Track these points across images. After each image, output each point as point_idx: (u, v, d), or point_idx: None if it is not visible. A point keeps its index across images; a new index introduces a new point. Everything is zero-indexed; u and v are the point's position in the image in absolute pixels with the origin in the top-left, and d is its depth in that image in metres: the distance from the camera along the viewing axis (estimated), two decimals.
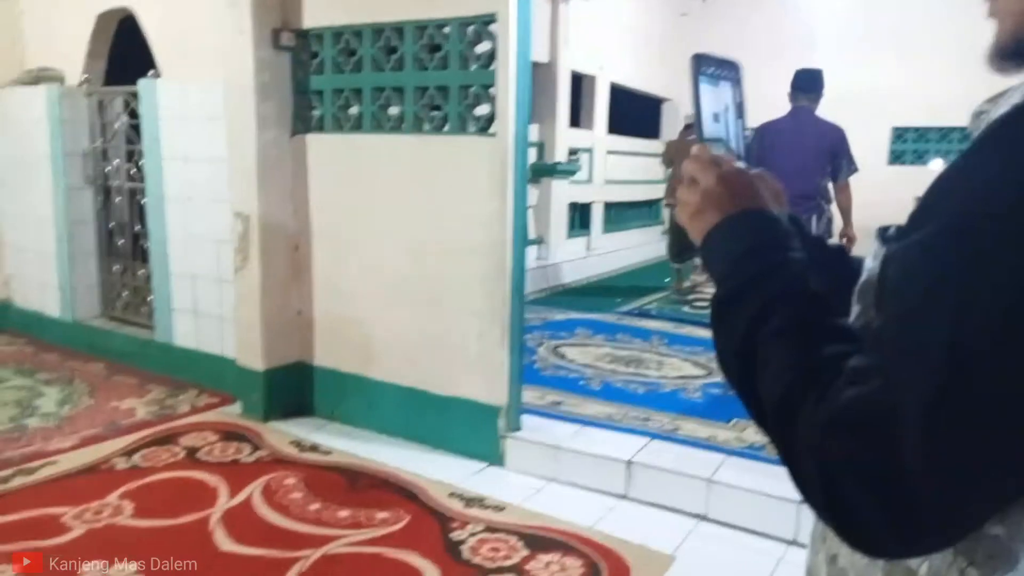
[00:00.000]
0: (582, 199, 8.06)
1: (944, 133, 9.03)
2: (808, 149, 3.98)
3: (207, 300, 3.83)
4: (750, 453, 2.90)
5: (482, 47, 2.94)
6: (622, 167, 9.04)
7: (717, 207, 0.71)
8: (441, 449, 3.16)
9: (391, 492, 2.77)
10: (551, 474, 2.92)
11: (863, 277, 0.64)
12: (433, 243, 3.13)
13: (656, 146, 10.23)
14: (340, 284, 3.43)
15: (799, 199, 3.67)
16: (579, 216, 8.11)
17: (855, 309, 0.65)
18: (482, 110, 2.97)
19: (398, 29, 3.11)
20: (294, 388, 3.54)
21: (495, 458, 3.05)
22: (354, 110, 3.31)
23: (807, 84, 4.19)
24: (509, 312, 2.98)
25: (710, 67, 0.82)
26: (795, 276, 0.65)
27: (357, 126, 3.30)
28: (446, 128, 3.07)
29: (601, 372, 4.01)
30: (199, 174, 3.74)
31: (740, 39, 9.99)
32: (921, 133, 9.27)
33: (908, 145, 9.37)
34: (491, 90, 2.91)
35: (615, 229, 8.98)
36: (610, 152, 8.72)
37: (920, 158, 9.33)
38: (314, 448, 3.17)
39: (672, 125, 10.61)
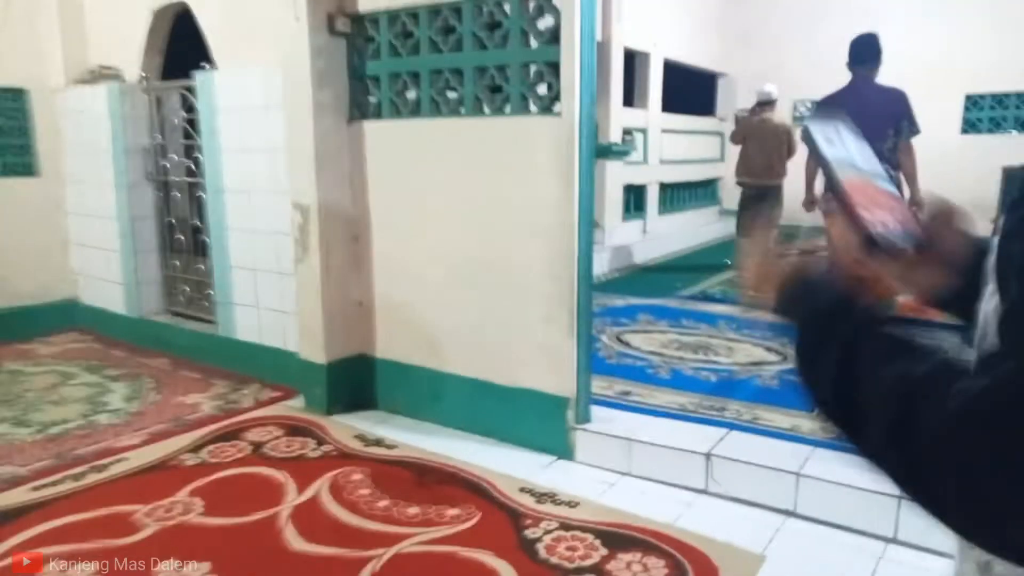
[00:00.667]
0: (637, 181, 7.85)
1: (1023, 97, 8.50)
2: (870, 118, 3.63)
3: (268, 293, 3.81)
4: (839, 444, 2.71)
5: (544, 22, 2.80)
6: (677, 146, 8.78)
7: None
8: (508, 442, 3.07)
9: (460, 487, 2.69)
10: (624, 468, 2.80)
11: (990, 256, 0.62)
12: (496, 227, 3.02)
13: (712, 123, 9.94)
14: (401, 273, 3.36)
15: None
16: (634, 198, 7.91)
17: (988, 288, 0.63)
18: (545, 89, 2.84)
19: (456, 8, 2.99)
20: (356, 381, 3.49)
21: (564, 451, 2.94)
22: (412, 94, 3.21)
23: (862, 53, 4.02)
24: (576, 298, 2.85)
25: (821, 127, 0.82)
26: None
27: (415, 111, 3.20)
28: (507, 109, 2.95)
29: (669, 359, 3.86)
30: (257, 166, 3.71)
31: (796, 8, 9.59)
32: (999, 99, 8.75)
33: (984, 112, 8.85)
34: (555, 67, 2.78)
35: (671, 211, 8.74)
36: (664, 131, 8.47)
37: (998, 126, 8.81)
38: (379, 442, 3.11)
39: (728, 100, 10.27)
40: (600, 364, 3.68)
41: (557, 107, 2.80)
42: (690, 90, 9.57)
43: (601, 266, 6.54)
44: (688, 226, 8.78)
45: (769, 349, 4.04)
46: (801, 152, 6.81)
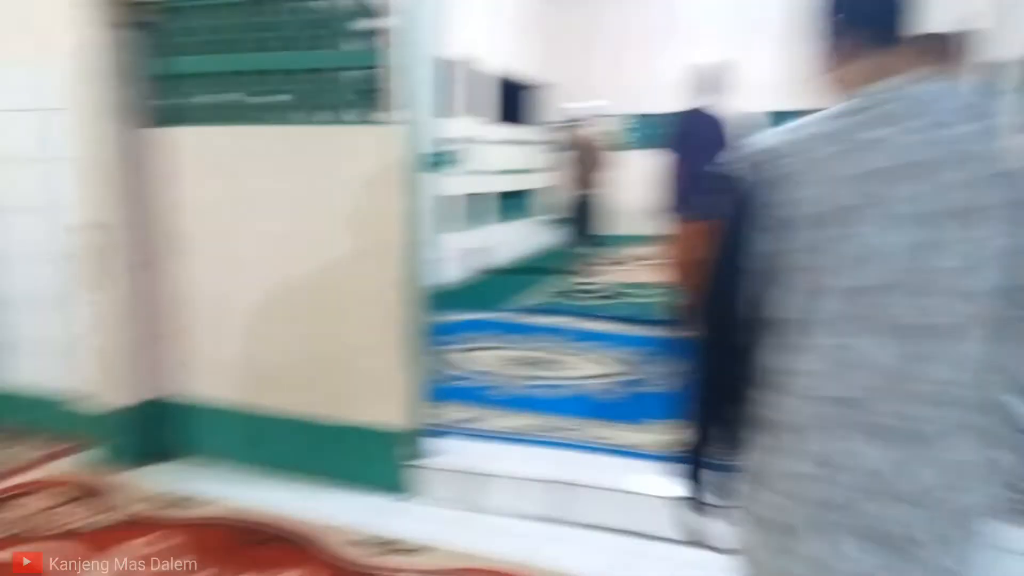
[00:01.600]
0: (466, 191, 7.77)
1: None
2: (715, 140, 4.22)
3: (46, 329, 3.23)
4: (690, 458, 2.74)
5: (375, 24, 2.57)
6: (504, 156, 8.82)
7: None
8: (342, 486, 2.78)
9: (288, 546, 2.38)
10: (472, 503, 2.64)
11: None
12: (321, 248, 2.74)
13: (539, 133, 10.12)
14: (214, 301, 2.96)
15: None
16: (464, 209, 7.82)
17: None
18: (377, 96, 2.61)
19: (275, 3, 2.68)
20: (160, 427, 3.04)
21: (404, 490, 2.72)
22: (226, 97, 2.84)
23: (707, 83, 4.43)
24: (414, 324, 2.65)
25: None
26: None
27: (230, 116, 2.83)
28: (333, 117, 2.69)
29: (507, 379, 3.76)
30: (21, 179, 3.13)
31: (616, 22, 10.04)
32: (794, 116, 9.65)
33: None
34: (386, 74, 2.56)
35: (500, 220, 8.76)
36: (489, 141, 8.48)
37: None
38: (189, 500, 2.70)
39: (554, 111, 10.51)
40: (438, 389, 3.48)
41: (389, 116, 2.58)
42: (518, 100, 9.68)
43: (433, 281, 6.35)
44: (517, 235, 8.84)
45: (602, 361, 4.08)
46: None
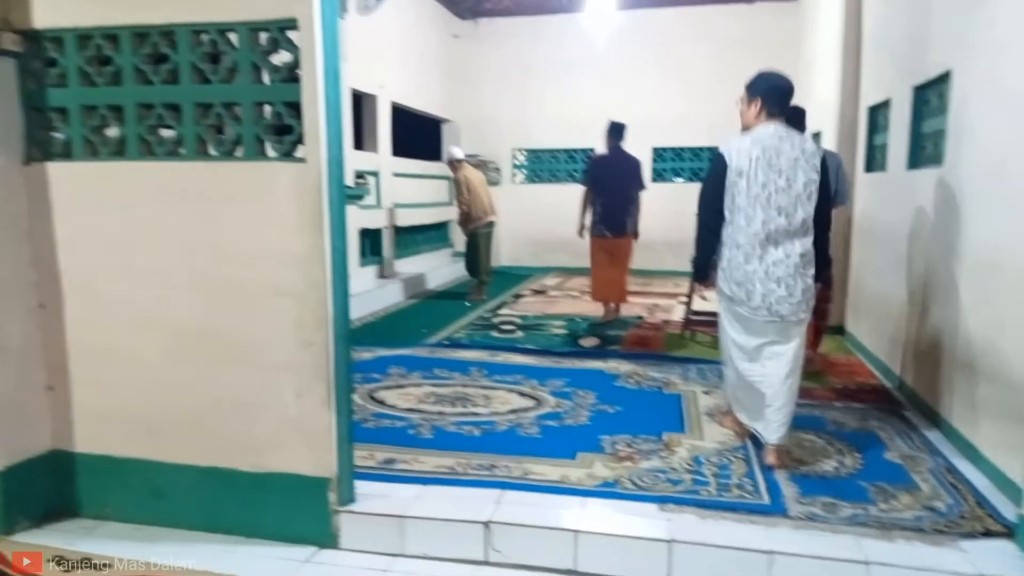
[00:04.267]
0: (371, 225, 7.65)
1: (696, 152, 9.96)
2: (627, 177, 6.18)
3: None
4: (605, 492, 2.75)
5: (280, 58, 2.50)
6: (409, 190, 8.77)
7: None
8: (257, 538, 2.62)
9: None
10: (397, 549, 2.53)
11: None
12: (231, 290, 2.59)
13: (439, 168, 10.14)
14: (106, 345, 2.73)
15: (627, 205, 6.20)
16: (368, 243, 7.69)
17: None
18: (285, 131, 2.52)
19: (167, 33, 2.55)
20: (49, 485, 2.77)
21: (327, 539, 2.59)
22: (114, 132, 2.66)
23: (619, 132, 6.24)
24: (333, 364, 2.55)
25: None
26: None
27: (119, 151, 2.66)
28: (240, 152, 2.57)
29: (429, 416, 3.67)
30: None
31: (511, 61, 10.26)
32: (677, 152, 10.14)
33: (667, 164, 10.20)
34: (295, 108, 2.48)
35: (406, 255, 8.67)
36: (396, 175, 8.42)
37: (677, 175, 10.20)
38: (86, 562, 2.46)
39: (452, 145, 10.57)
40: (358, 430, 3.34)
41: (300, 151, 2.50)
42: (416, 135, 9.68)
43: (351, 317, 6.16)
44: (424, 268, 8.76)
45: (523, 395, 4.06)
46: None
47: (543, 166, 10.71)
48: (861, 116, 5.67)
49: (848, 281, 5.77)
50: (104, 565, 2.45)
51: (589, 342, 5.52)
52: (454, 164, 7.51)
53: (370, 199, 7.65)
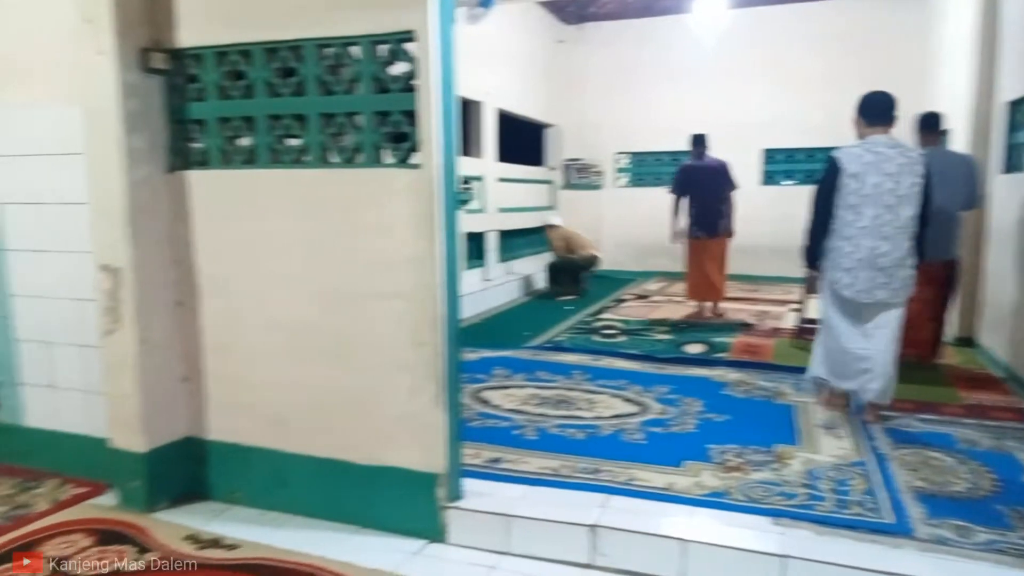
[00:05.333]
0: (475, 229, 7.80)
1: (810, 153, 9.54)
2: (716, 180, 6.59)
3: (68, 370, 3.20)
4: (714, 502, 2.69)
5: (399, 68, 2.60)
6: (512, 194, 8.89)
7: None
8: (370, 528, 2.73)
9: None
10: (502, 547, 2.58)
11: None
12: (349, 291, 2.72)
13: (542, 172, 10.21)
14: (236, 342, 2.94)
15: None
16: (473, 247, 7.85)
17: None
18: (401, 139, 2.62)
19: (295, 48, 2.71)
20: (185, 469, 2.99)
21: (435, 534, 2.67)
22: (246, 141, 2.86)
23: (702, 142, 6.69)
24: (445, 364, 2.62)
25: None
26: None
27: (250, 160, 2.85)
28: (359, 160, 2.70)
29: (532, 418, 3.71)
30: (51, 220, 3.13)
31: (616, 65, 10.21)
32: (789, 154, 9.76)
33: (778, 166, 9.83)
34: (411, 116, 2.57)
35: (509, 258, 8.79)
36: (500, 180, 8.54)
37: (789, 177, 9.81)
38: (216, 542, 2.65)
39: (556, 151, 10.63)
40: (464, 429, 3.44)
41: (416, 158, 2.59)
42: (520, 140, 9.79)
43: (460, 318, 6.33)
44: (525, 272, 8.85)
45: (627, 400, 4.03)
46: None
47: (647, 169, 10.58)
48: (996, 112, 5.27)
49: (981, 290, 5.37)
50: (232, 546, 2.63)
51: (694, 349, 5.40)
52: (549, 228, 8.53)
53: (474, 203, 7.80)
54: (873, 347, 3.55)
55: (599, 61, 10.35)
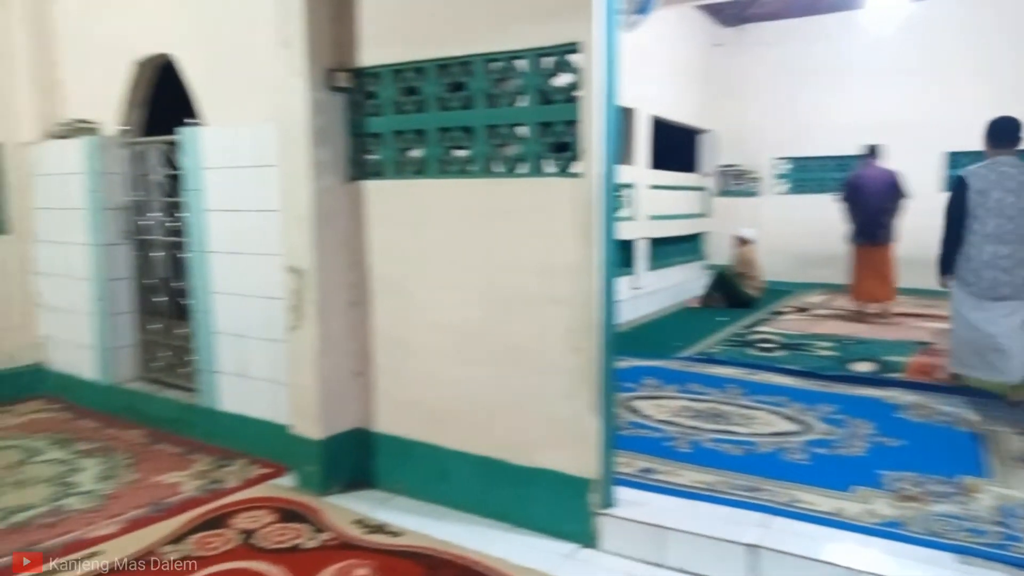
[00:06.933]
0: (626, 236, 7.74)
1: None
2: (884, 189, 6.73)
3: (256, 361, 3.55)
4: (887, 532, 2.51)
5: (562, 79, 2.66)
6: (663, 202, 8.73)
7: None
8: (524, 528, 2.80)
9: None
10: (656, 558, 2.55)
11: None
12: (510, 296, 2.82)
13: (695, 179, 9.96)
14: (404, 341, 3.12)
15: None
16: (623, 254, 7.79)
17: None
18: (562, 148, 2.68)
19: (465, 63, 2.85)
20: (354, 458, 3.22)
21: (587, 539, 2.69)
22: (416, 153, 3.04)
23: (872, 152, 6.97)
24: (600, 371, 2.64)
25: None
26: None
27: (420, 170, 3.02)
28: (521, 170, 2.78)
29: (685, 430, 3.64)
30: (247, 226, 3.49)
31: (777, 67, 9.76)
32: (976, 157, 8.86)
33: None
34: (573, 126, 2.62)
35: (659, 266, 8.64)
36: (652, 187, 8.43)
37: None
38: (381, 528, 2.83)
39: (710, 157, 10.33)
40: (616, 437, 3.44)
41: (576, 167, 2.64)
42: (674, 146, 9.60)
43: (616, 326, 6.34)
44: (676, 281, 8.67)
45: (787, 418, 3.85)
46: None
47: (810, 175, 10.01)
48: None
49: None
50: (397, 533, 2.79)
51: (863, 367, 5.05)
52: (740, 241, 8.49)
53: (624, 211, 7.75)
54: (1003, 330, 4.08)
55: (759, 63, 9.95)
